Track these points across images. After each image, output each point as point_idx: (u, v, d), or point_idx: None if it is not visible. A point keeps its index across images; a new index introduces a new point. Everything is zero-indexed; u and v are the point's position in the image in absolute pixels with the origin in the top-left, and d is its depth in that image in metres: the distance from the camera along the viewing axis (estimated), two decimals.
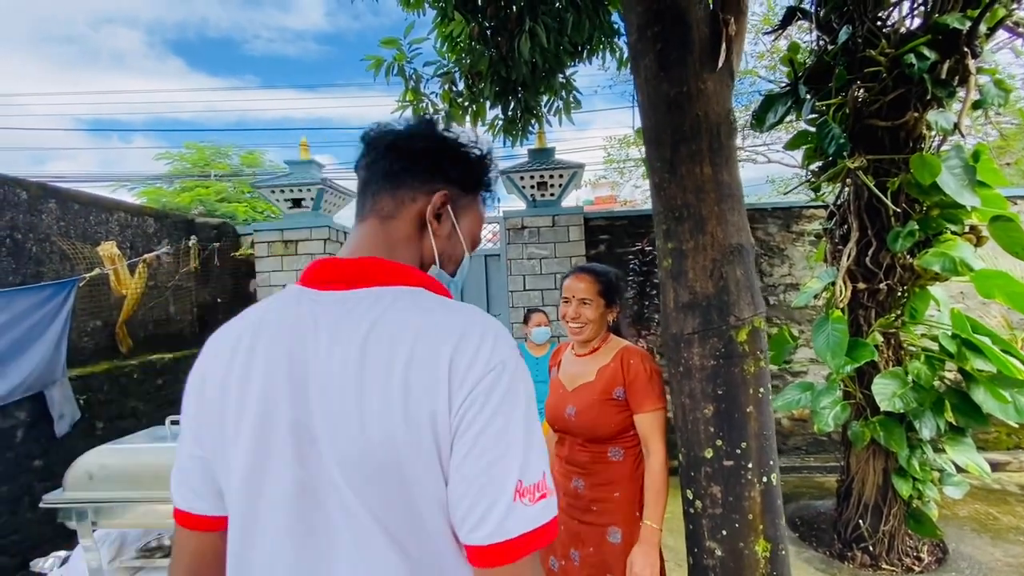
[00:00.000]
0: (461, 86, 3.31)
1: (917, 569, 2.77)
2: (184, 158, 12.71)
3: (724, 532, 1.32)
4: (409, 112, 3.32)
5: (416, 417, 0.53)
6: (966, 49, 2.51)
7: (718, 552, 1.33)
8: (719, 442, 1.33)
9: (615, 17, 3.30)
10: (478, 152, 0.74)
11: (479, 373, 0.55)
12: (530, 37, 2.85)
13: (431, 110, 3.33)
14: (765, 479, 1.32)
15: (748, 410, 1.31)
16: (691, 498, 1.40)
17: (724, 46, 1.30)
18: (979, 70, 2.59)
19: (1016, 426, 3.76)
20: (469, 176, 0.73)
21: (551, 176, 4.00)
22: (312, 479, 0.56)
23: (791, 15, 3.09)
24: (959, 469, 2.69)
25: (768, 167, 6.29)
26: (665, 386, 1.39)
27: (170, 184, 12.36)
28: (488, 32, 3.04)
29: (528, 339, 3.67)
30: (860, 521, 2.86)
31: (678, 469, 1.48)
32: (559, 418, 1.53)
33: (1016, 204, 4.07)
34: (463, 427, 0.54)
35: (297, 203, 4.19)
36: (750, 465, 1.30)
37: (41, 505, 1.27)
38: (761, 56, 6.09)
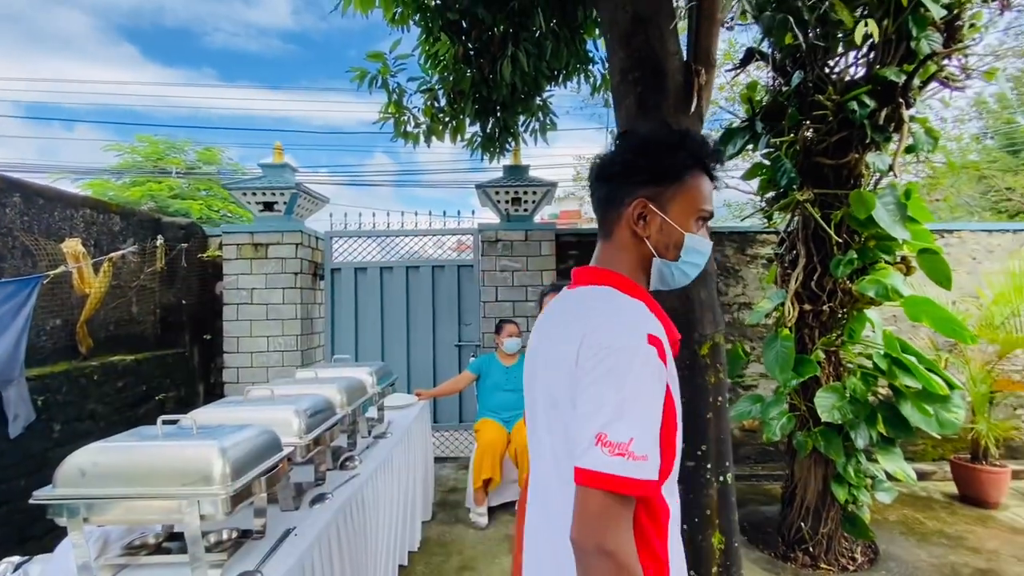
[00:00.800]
0: (443, 102, 3.43)
1: (851, 568, 3.01)
2: (136, 151, 12.16)
3: (684, 527, 1.47)
4: (391, 124, 3.42)
5: (565, 373, 0.79)
6: (901, 99, 2.82)
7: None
8: (683, 445, 1.47)
9: (590, 46, 3.51)
10: (669, 143, 0.87)
11: (591, 352, 0.76)
12: (512, 61, 3.00)
13: (412, 124, 3.43)
14: (721, 478, 1.47)
15: (708, 416, 1.47)
16: None
17: (696, 94, 1.48)
18: (912, 118, 2.91)
19: (939, 438, 4.15)
20: (662, 170, 0.87)
21: (525, 192, 4.16)
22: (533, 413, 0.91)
23: (750, 56, 3.38)
24: (889, 476, 2.96)
25: (726, 192, 6.69)
26: None
27: (119, 178, 11.79)
28: (471, 54, 3.18)
29: (499, 349, 3.78)
30: (802, 524, 3.09)
31: None
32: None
33: (942, 237, 4.51)
34: (579, 387, 0.76)
35: (269, 206, 4.17)
36: (709, 466, 1.46)
37: (31, 501, 1.28)
38: (722, 88, 6.50)
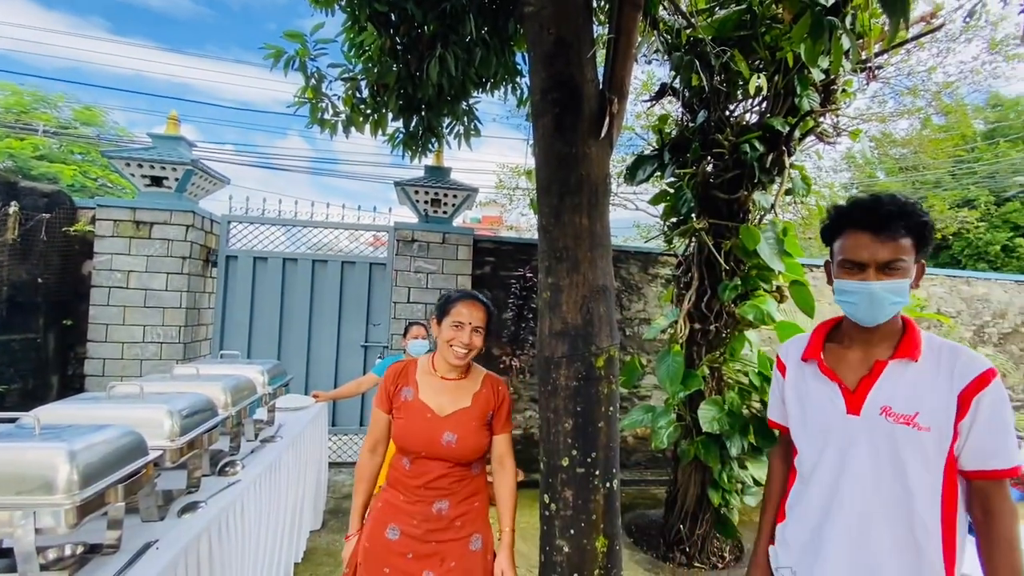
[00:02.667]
0: (366, 94, 3.31)
1: (720, 567, 3.30)
2: None
3: (572, 531, 1.53)
4: (306, 109, 3.23)
5: None
6: (784, 147, 3.19)
7: (566, 549, 1.53)
8: (575, 452, 1.54)
9: (520, 58, 3.57)
10: (827, 217, 1.22)
11: None
12: (439, 62, 2.97)
13: (331, 111, 3.27)
14: (608, 484, 1.56)
15: (600, 425, 1.55)
16: (547, 502, 1.59)
17: (608, 120, 1.56)
18: (792, 165, 3.30)
19: None
20: (824, 238, 1.24)
21: (446, 195, 4.13)
22: None
23: (663, 91, 3.64)
24: (756, 482, 3.29)
25: (636, 213, 7.13)
26: None
27: None
28: (399, 49, 3.10)
29: (406, 352, 3.70)
30: (681, 526, 3.34)
31: (537, 479, 1.68)
32: (430, 444, 1.45)
33: (811, 271, 5.14)
34: None
35: (157, 181, 3.76)
36: (597, 472, 1.54)
37: None
38: (639, 116, 6.93)
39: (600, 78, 1.67)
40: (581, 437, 1.54)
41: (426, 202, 4.12)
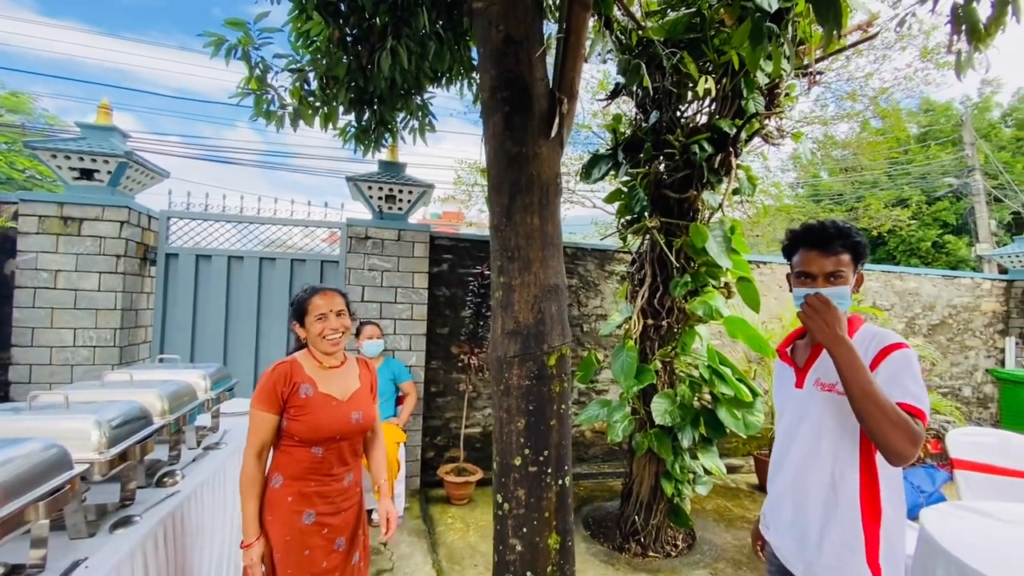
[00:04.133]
0: (314, 86, 3.20)
1: (674, 555, 3.40)
2: None
3: (525, 529, 1.54)
4: (251, 100, 3.09)
5: None
6: (731, 148, 3.30)
7: (518, 547, 1.54)
8: (527, 451, 1.55)
9: (475, 53, 3.54)
10: (786, 237, 1.51)
11: None
12: (391, 54, 2.90)
13: (277, 104, 3.15)
14: (560, 481, 1.57)
15: (552, 423, 1.56)
16: (500, 501, 1.59)
17: (558, 120, 1.57)
18: (739, 166, 3.42)
19: (746, 438, 4.91)
20: (786, 256, 1.52)
21: (400, 191, 4.05)
22: None
23: (617, 91, 3.69)
24: (707, 471, 3.41)
25: (594, 211, 7.23)
26: None
27: None
28: (348, 40, 3.01)
29: (360, 352, 3.62)
30: (636, 517, 3.42)
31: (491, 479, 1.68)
32: (344, 426, 1.61)
33: (758, 268, 5.36)
34: None
35: (88, 174, 3.52)
36: (549, 470, 1.55)
37: None
38: (595, 115, 7.01)
39: (550, 77, 1.67)
40: (533, 436, 1.55)
41: (380, 198, 4.03)
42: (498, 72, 1.55)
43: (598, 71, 7.61)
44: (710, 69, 3.25)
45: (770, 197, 10.31)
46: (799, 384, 1.43)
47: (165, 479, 1.95)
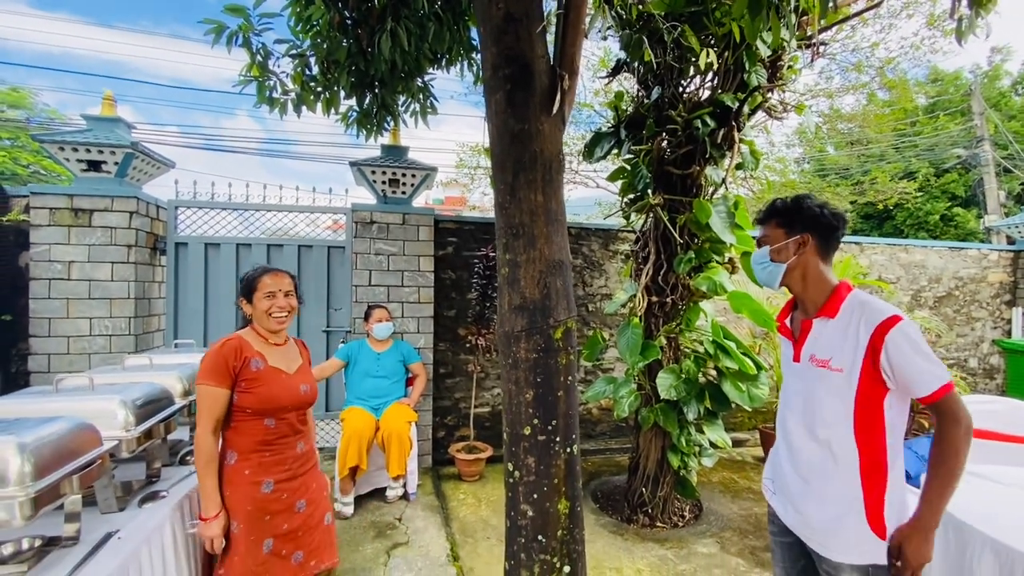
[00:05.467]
0: (315, 71, 3.20)
1: (681, 525, 3.48)
2: None
3: (535, 496, 1.60)
4: (253, 87, 3.11)
5: None
6: (734, 123, 3.28)
7: (530, 513, 1.60)
8: (536, 421, 1.60)
9: (475, 33, 3.52)
10: None
11: None
12: (391, 36, 2.90)
13: (279, 90, 3.16)
14: (568, 449, 1.63)
15: (559, 394, 1.61)
16: (511, 469, 1.65)
17: (560, 97, 1.58)
18: (742, 140, 3.40)
19: (751, 411, 4.96)
20: None
21: (404, 175, 4.07)
22: None
23: (619, 67, 3.67)
24: (713, 445, 3.47)
25: (598, 192, 7.21)
26: None
27: None
28: (349, 23, 3.00)
29: (370, 335, 3.68)
30: (643, 490, 3.50)
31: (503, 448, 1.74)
32: (296, 397, 1.72)
33: None
34: None
35: (95, 166, 3.56)
36: (558, 439, 1.60)
37: None
38: (597, 93, 6.95)
39: (551, 54, 1.68)
40: (542, 406, 1.60)
41: (384, 182, 4.05)
42: (499, 50, 1.56)
43: (599, 48, 7.53)
44: (712, 43, 3.22)
45: (775, 173, 10.22)
46: (796, 358, 1.48)
47: (188, 457, 2.03)
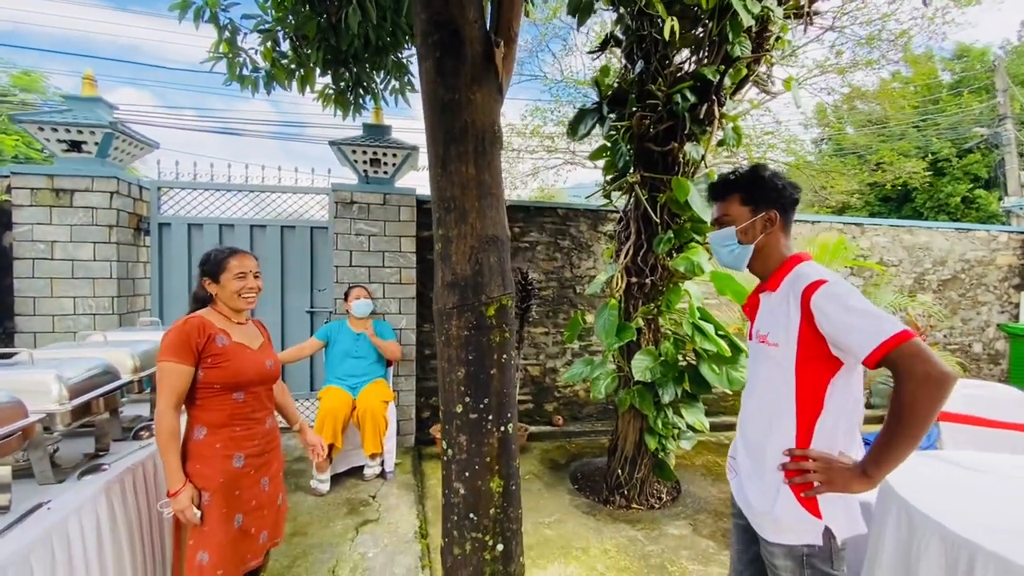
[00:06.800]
0: (286, 47, 3.16)
1: (657, 507, 3.47)
2: None
3: (467, 474, 1.58)
4: (223, 65, 3.07)
5: None
6: (715, 97, 3.17)
7: (461, 491, 1.59)
8: (467, 399, 1.57)
9: None
10: None
11: None
12: (359, 9, 2.83)
13: (249, 67, 3.12)
14: (502, 428, 1.60)
15: (492, 372, 1.58)
16: (445, 447, 1.64)
17: (495, 64, 1.52)
18: (723, 116, 3.28)
19: (732, 393, 4.88)
20: None
21: (385, 154, 4.02)
22: None
23: (607, 41, 3.55)
24: (691, 427, 3.43)
25: (596, 172, 7.08)
26: None
27: None
28: None
29: (349, 315, 3.68)
30: (620, 471, 3.48)
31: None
32: (261, 372, 1.74)
33: None
34: None
35: (76, 146, 3.58)
36: (490, 417, 1.58)
37: None
38: (594, 71, 6.77)
39: (488, 21, 1.61)
40: (473, 384, 1.57)
41: (365, 162, 4.01)
42: (428, 16, 1.49)
43: (597, 24, 7.32)
44: (698, 14, 3.09)
45: (790, 154, 9.93)
46: (750, 336, 1.45)
47: (142, 432, 2.06)
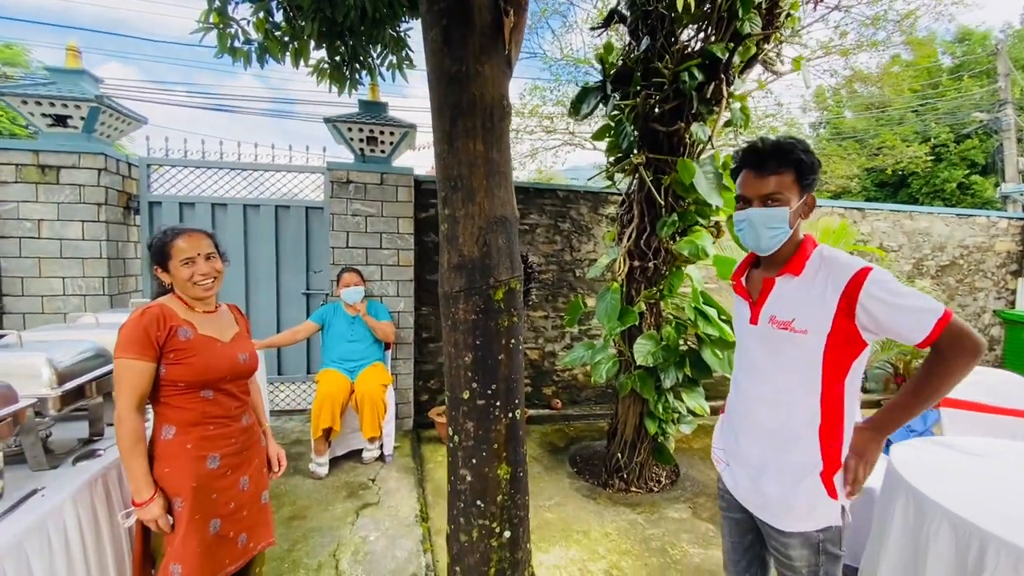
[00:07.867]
0: (280, 17, 3.03)
1: (656, 490, 3.48)
2: None
3: (474, 460, 1.55)
4: (213, 36, 2.94)
5: None
6: (723, 76, 3.08)
7: (468, 478, 1.56)
8: (475, 384, 1.53)
9: None
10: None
11: None
12: None
13: (241, 39, 2.99)
14: (510, 415, 1.56)
15: (500, 357, 1.53)
16: (451, 434, 1.60)
17: (503, 35, 1.44)
18: (731, 95, 3.20)
19: None
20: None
21: (382, 132, 3.91)
22: None
23: (611, 17, 3.44)
24: (691, 412, 3.42)
25: (596, 154, 6.98)
26: None
27: None
28: None
29: (340, 299, 3.61)
30: (620, 455, 3.48)
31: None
32: (234, 366, 1.56)
33: None
34: None
35: (61, 121, 3.45)
36: (498, 403, 1.54)
37: None
38: (596, 49, 6.62)
39: None
40: (481, 370, 1.53)
41: (361, 140, 3.90)
42: None
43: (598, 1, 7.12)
44: None
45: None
46: (753, 320, 1.34)
47: None
